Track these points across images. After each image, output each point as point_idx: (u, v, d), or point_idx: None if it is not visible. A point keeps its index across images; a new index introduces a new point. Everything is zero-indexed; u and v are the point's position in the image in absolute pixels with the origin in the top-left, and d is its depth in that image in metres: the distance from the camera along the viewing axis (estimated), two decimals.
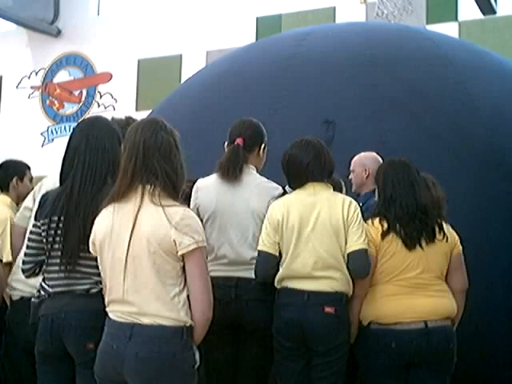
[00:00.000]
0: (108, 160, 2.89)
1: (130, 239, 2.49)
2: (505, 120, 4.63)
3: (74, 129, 3.08)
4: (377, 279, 3.35)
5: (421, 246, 3.31)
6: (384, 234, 3.33)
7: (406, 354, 3.26)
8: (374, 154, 4.17)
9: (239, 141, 3.52)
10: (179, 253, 2.48)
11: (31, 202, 3.59)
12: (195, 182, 3.58)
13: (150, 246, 2.47)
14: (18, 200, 4.30)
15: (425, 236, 3.32)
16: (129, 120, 3.86)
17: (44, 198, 2.96)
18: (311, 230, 3.27)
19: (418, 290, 3.31)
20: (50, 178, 3.55)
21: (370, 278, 3.33)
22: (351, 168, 4.19)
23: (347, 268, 3.28)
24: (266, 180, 3.55)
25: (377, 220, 3.37)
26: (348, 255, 3.26)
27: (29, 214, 3.56)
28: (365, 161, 4.13)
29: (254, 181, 3.51)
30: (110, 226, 2.55)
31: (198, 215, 3.47)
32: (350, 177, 4.19)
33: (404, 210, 3.33)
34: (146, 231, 2.48)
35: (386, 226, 3.34)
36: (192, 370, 2.51)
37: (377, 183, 3.54)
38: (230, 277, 3.41)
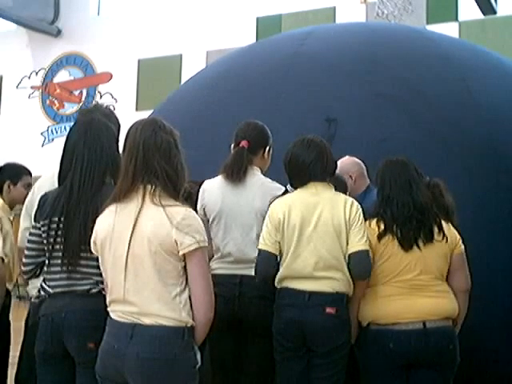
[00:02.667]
0: (106, 158, 2.89)
1: (131, 239, 2.49)
2: (505, 119, 4.63)
3: (70, 128, 3.08)
4: (375, 280, 3.33)
5: (418, 247, 3.29)
6: (380, 236, 3.31)
7: (405, 354, 3.24)
8: (351, 158, 4.16)
9: (244, 143, 3.59)
10: (180, 253, 2.47)
11: (28, 222, 3.52)
12: (202, 183, 3.64)
13: (152, 246, 2.47)
14: (12, 204, 4.23)
15: (422, 237, 3.30)
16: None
17: (43, 198, 2.95)
18: (313, 229, 3.26)
19: (416, 291, 3.28)
20: (41, 186, 3.51)
21: (376, 278, 3.32)
22: None
23: (348, 269, 3.28)
24: (270, 181, 3.60)
25: (374, 221, 3.35)
26: (349, 256, 3.25)
27: None
28: (346, 168, 4.11)
29: (257, 182, 3.57)
30: (112, 225, 2.54)
31: (205, 215, 3.54)
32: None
33: (400, 210, 3.32)
34: (147, 231, 2.47)
35: (382, 227, 3.32)
36: (193, 370, 2.50)
37: (376, 183, 3.54)
38: (235, 274, 3.49)
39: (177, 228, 2.46)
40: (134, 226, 2.49)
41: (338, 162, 4.15)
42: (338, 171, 4.15)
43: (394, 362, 3.25)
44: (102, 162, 2.88)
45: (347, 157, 4.15)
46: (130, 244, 2.49)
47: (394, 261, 3.29)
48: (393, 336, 3.24)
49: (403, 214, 3.31)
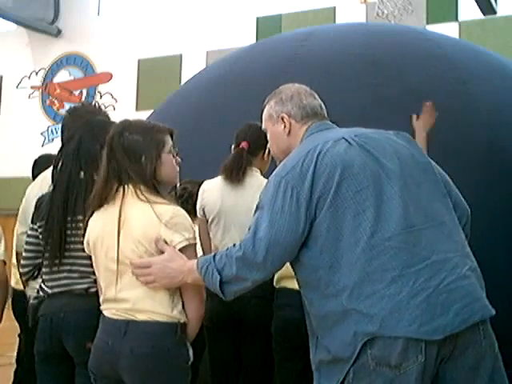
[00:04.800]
0: (92, 161, 2.90)
1: (119, 240, 2.51)
2: (506, 120, 4.63)
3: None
4: None
5: None
6: None
7: None
8: None
9: (244, 144, 3.64)
10: None
11: (24, 227, 3.51)
12: (201, 183, 3.67)
13: (141, 246, 2.49)
14: None
15: None
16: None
17: (40, 200, 3.00)
18: None
19: None
20: (31, 192, 3.53)
21: None
22: None
23: None
24: None
25: None
26: None
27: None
28: None
29: (256, 182, 3.59)
30: (101, 226, 2.57)
31: (204, 216, 3.55)
32: None
33: None
34: (136, 231, 2.49)
35: None
36: (186, 366, 2.52)
37: None
38: None
39: (166, 226, 2.47)
40: (119, 225, 2.51)
41: None
42: None
43: None
44: (88, 164, 2.89)
45: None
46: (119, 244, 2.51)
47: None
48: None
49: None
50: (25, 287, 3.42)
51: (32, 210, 3.32)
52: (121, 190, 2.56)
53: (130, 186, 2.54)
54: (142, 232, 2.48)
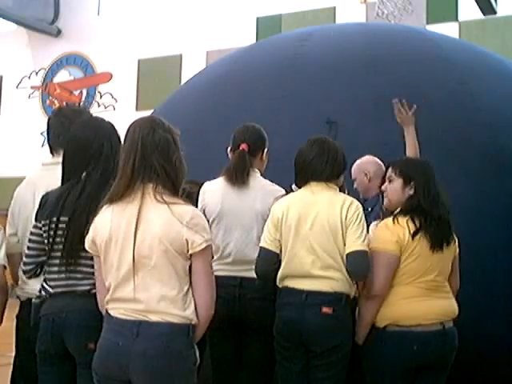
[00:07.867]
0: (102, 160, 2.89)
1: (136, 238, 2.49)
2: (506, 121, 4.63)
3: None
4: (398, 281, 3.24)
5: (443, 248, 3.25)
6: (414, 234, 3.21)
7: (425, 355, 3.19)
8: (371, 157, 4.14)
9: (244, 146, 3.62)
10: (190, 251, 2.49)
11: (13, 228, 3.49)
12: (202, 184, 3.67)
13: (161, 245, 2.47)
14: None
15: (447, 238, 3.28)
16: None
17: (44, 198, 2.96)
18: (309, 228, 3.25)
19: (432, 292, 3.25)
20: (19, 193, 3.52)
21: (399, 279, 3.23)
22: (353, 177, 4.13)
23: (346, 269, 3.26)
24: (270, 183, 3.64)
25: (404, 219, 3.25)
26: (346, 256, 3.21)
27: (16, 239, 3.51)
28: (364, 166, 4.10)
29: (258, 184, 3.61)
30: (116, 225, 2.54)
31: (205, 216, 3.56)
32: (354, 186, 4.13)
33: (443, 210, 3.27)
34: (156, 230, 2.48)
35: (412, 226, 3.22)
36: (194, 367, 2.52)
37: (415, 182, 3.34)
38: (235, 276, 3.52)
39: (187, 227, 2.47)
40: (137, 224, 2.49)
41: (358, 161, 4.14)
42: (354, 170, 4.13)
43: (412, 363, 3.20)
44: (99, 164, 2.88)
45: (368, 156, 4.13)
46: (136, 243, 2.49)
47: (421, 261, 3.22)
48: (416, 338, 3.17)
49: (445, 214, 3.27)
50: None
51: (18, 211, 3.34)
52: (140, 188, 2.54)
53: (150, 185, 2.53)
54: (163, 232, 2.48)
